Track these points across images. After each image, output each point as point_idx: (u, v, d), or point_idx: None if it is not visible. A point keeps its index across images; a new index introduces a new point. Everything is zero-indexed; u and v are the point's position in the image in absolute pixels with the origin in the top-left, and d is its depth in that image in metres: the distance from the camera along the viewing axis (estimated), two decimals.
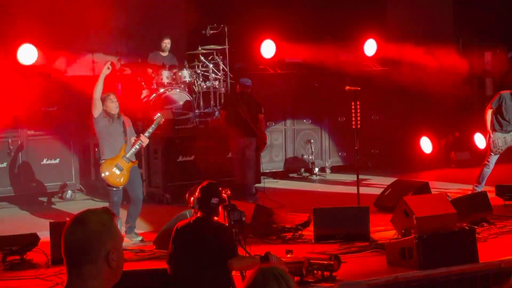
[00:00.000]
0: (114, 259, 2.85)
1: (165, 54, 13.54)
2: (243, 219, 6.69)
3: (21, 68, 12.32)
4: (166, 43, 13.51)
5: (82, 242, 2.82)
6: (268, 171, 14.02)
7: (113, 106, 9.65)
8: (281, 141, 14.55)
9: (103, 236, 2.85)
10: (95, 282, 2.82)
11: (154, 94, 12.91)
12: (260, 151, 12.48)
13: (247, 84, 12.64)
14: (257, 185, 12.94)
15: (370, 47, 15.50)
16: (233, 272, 6.38)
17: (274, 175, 14.02)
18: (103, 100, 9.58)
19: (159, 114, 10.06)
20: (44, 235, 8.63)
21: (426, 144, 15.66)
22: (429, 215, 9.06)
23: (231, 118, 12.35)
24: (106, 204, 9.53)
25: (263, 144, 12.52)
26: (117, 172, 9.51)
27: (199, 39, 14.65)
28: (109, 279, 2.86)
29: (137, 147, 9.68)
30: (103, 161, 9.62)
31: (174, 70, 13.23)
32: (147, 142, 9.83)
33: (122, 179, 9.56)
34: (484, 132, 12.34)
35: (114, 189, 9.63)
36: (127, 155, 9.57)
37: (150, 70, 13.20)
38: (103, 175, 9.57)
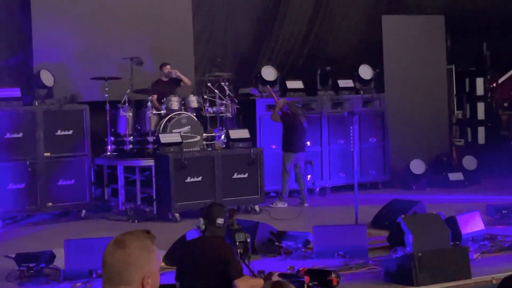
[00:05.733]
0: (149, 282, 2.82)
1: (166, 79, 13.51)
2: (248, 240, 6.61)
3: None
4: (167, 69, 13.47)
5: (120, 265, 2.79)
6: (272, 190, 13.92)
7: None
8: None
9: (140, 261, 2.82)
10: None
11: (165, 119, 12.86)
12: None
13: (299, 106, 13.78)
14: (260, 204, 12.86)
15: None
16: None
17: (278, 194, 13.89)
18: None
19: None
20: (60, 252, 8.55)
21: (417, 165, 15.45)
22: (424, 234, 9.00)
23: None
24: (120, 223, 9.46)
25: None
26: None
27: (207, 66, 14.71)
28: None
29: None
30: None
31: (183, 96, 13.19)
32: None
33: None
34: None
35: None
36: None
37: (154, 97, 13.18)
38: None
